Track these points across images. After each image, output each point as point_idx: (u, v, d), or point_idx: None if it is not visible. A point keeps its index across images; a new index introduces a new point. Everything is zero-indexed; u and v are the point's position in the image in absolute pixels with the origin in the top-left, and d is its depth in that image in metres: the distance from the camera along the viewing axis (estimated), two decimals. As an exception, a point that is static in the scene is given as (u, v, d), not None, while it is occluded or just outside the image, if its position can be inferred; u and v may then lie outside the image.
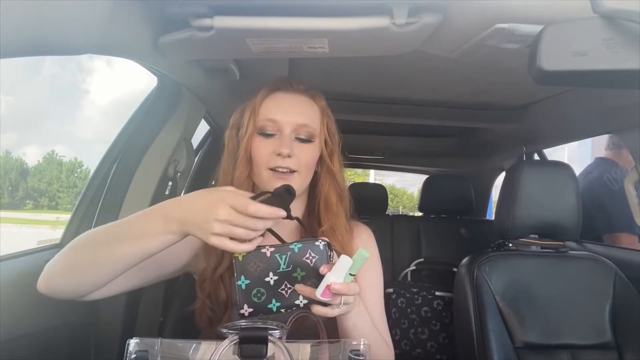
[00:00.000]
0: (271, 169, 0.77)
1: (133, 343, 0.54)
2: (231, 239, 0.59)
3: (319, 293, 0.59)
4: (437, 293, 1.67)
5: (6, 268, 0.83)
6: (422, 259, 1.94)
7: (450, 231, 2.03)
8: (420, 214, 2.29)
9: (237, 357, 0.53)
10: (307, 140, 0.79)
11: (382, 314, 0.83)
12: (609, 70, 0.51)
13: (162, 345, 0.55)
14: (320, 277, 0.60)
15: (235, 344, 0.53)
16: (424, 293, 1.68)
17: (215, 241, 0.58)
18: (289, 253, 0.62)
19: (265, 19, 0.72)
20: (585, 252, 1.31)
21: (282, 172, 0.76)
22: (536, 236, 1.25)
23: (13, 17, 0.49)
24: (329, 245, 0.63)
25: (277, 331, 0.54)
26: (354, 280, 0.61)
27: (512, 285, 1.16)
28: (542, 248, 1.24)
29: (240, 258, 0.61)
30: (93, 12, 0.61)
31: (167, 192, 1.27)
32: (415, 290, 1.69)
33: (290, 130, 0.78)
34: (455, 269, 1.29)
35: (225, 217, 0.57)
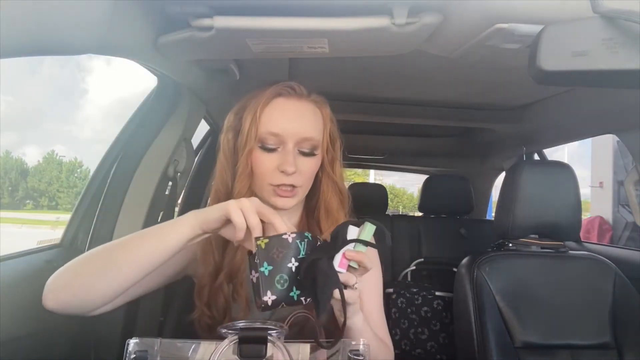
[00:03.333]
0: (273, 185, 0.75)
1: (133, 343, 0.54)
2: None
3: (336, 264, 0.61)
4: (437, 293, 1.67)
5: (6, 268, 0.83)
6: (422, 259, 1.94)
7: (450, 231, 2.03)
8: (420, 214, 2.29)
9: (236, 357, 0.53)
10: (310, 154, 0.77)
11: (382, 315, 0.83)
12: (609, 70, 0.51)
13: (162, 345, 0.55)
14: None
15: (234, 344, 0.53)
16: (424, 293, 1.68)
17: (233, 208, 0.61)
18: (305, 240, 0.62)
19: (265, 19, 0.72)
20: (585, 252, 1.31)
21: (285, 189, 0.75)
22: (536, 236, 1.25)
23: (13, 17, 0.49)
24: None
25: (277, 331, 0.54)
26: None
27: (512, 285, 1.16)
28: (542, 248, 1.24)
29: (262, 245, 0.60)
30: (93, 12, 0.61)
31: (167, 192, 1.28)
32: (415, 290, 1.69)
33: (293, 144, 0.75)
34: (455, 269, 1.29)
35: (242, 204, 0.61)
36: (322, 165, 0.81)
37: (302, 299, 0.60)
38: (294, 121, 0.75)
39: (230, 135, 0.80)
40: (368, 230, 0.62)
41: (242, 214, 0.60)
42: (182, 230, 0.63)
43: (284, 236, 0.61)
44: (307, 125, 0.76)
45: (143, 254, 0.63)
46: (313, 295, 0.59)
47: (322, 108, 0.81)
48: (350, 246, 0.62)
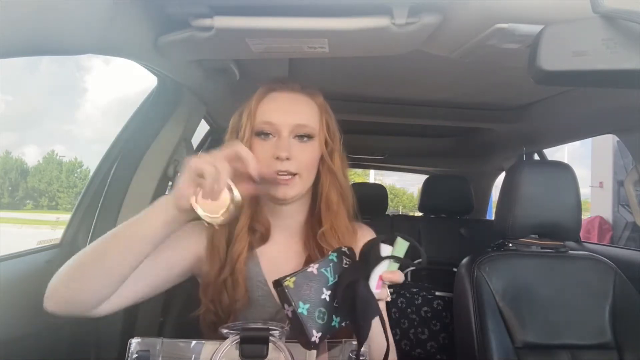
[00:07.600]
0: None
1: (134, 343, 0.54)
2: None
3: (373, 286, 0.60)
4: (437, 293, 1.67)
5: (6, 268, 0.83)
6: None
7: (450, 231, 2.03)
8: (420, 214, 2.29)
9: (238, 357, 0.53)
10: (307, 140, 0.78)
11: (384, 315, 0.84)
12: (609, 70, 0.51)
13: (164, 345, 0.55)
14: None
15: (236, 344, 0.53)
16: (424, 293, 1.67)
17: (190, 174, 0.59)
18: (331, 265, 0.61)
19: (265, 19, 0.72)
20: (585, 252, 1.31)
21: (283, 177, 0.75)
22: (536, 236, 1.25)
23: (13, 17, 0.49)
24: (350, 250, 0.65)
25: (278, 331, 0.54)
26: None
27: (512, 285, 1.16)
28: (542, 248, 1.24)
29: (291, 285, 0.58)
30: (93, 12, 0.61)
31: (167, 192, 1.28)
32: (415, 290, 1.69)
33: (288, 132, 0.76)
34: (455, 269, 1.29)
35: (196, 162, 0.59)
36: (322, 158, 0.81)
37: (343, 324, 0.60)
38: (287, 110, 0.78)
39: (233, 136, 0.82)
40: (400, 247, 0.61)
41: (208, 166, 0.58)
42: (155, 215, 0.62)
43: (308, 270, 0.60)
44: (300, 113, 0.78)
45: (124, 248, 0.62)
46: (352, 318, 0.58)
47: (316, 98, 0.82)
48: (384, 265, 0.61)
